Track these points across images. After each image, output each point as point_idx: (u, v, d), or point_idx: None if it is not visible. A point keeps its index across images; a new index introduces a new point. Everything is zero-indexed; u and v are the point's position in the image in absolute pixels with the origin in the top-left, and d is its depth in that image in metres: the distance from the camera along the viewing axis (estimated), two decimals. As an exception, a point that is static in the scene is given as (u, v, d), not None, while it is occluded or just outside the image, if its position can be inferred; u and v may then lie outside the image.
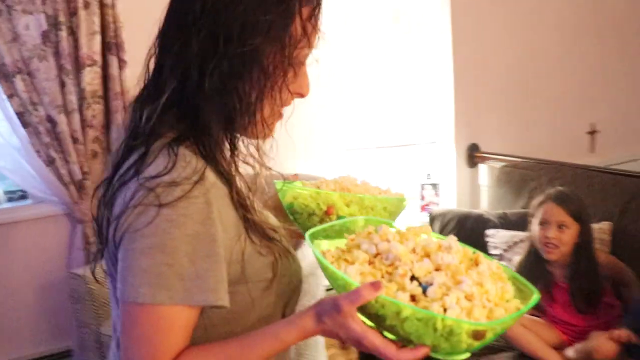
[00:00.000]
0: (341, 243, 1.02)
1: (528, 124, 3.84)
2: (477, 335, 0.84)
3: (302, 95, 0.98)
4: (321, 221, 1.22)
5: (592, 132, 4.18)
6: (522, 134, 3.79)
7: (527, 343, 2.20)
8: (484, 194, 3.48)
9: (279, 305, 1.01)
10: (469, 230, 2.78)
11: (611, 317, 2.18)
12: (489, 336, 0.86)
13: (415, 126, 3.58)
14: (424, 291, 0.87)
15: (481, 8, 3.56)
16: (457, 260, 0.93)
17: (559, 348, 2.21)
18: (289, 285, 1.03)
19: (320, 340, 2.47)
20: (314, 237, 1.02)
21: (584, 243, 2.24)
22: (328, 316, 0.87)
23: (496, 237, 2.63)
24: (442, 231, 2.87)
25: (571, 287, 2.23)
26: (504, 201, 2.98)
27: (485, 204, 3.33)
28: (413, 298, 0.87)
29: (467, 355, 0.90)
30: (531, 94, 3.84)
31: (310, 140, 3.11)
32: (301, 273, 1.08)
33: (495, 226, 2.71)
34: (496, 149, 3.53)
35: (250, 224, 0.95)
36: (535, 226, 2.29)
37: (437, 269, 0.92)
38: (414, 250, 0.94)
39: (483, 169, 3.54)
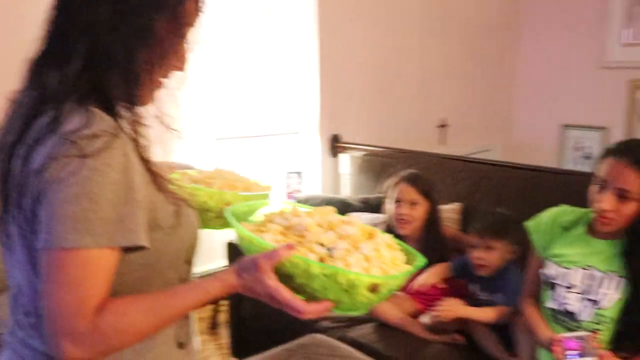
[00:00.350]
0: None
1: (386, 117, 4.09)
2: (374, 288, 0.98)
3: (181, 69, 1.06)
4: (216, 217, 1.36)
5: (442, 126, 4.50)
6: (380, 126, 4.03)
7: (385, 313, 2.40)
8: (345, 181, 3.68)
9: (182, 251, 1.10)
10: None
11: (459, 284, 2.44)
12: (384, 291, 1.02)
13: (281, 117, 3.69)
14: (330, 254, 1.02)
15: (347, 3, 3.74)
16: (357, 233, 1.08)
17: (415, 316, 2.43)
18: (192, 233, 1.13)
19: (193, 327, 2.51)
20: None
21: (432, 219, 2.50)
22: (247, 272, 1.00)
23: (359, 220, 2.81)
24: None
25: None
26: (365, 187, 3.19)
27: (348, 191, 3.53)
28: (321, 261, 1.02)
29: (363, 312, 1.06)
30: (389, 89, 4.08)
31: (182, 129, 3.12)
32: (198, 223, 1.17)
33: (357, 210, 2.89)
34: (356, 139, 3.73)
35: (153, 176, 1.02)
36: (389, 205, 2.51)
37: (340, 239, 1.07)
38: (320, 225, 1.09)
39: (344, 158, 3.73)
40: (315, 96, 3.65)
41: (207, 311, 3.58)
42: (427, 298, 2.46)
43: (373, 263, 1.04)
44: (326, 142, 3.73)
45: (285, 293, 0.99)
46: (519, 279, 2.17)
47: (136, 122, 1.01)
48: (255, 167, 3.62)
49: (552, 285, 1.91)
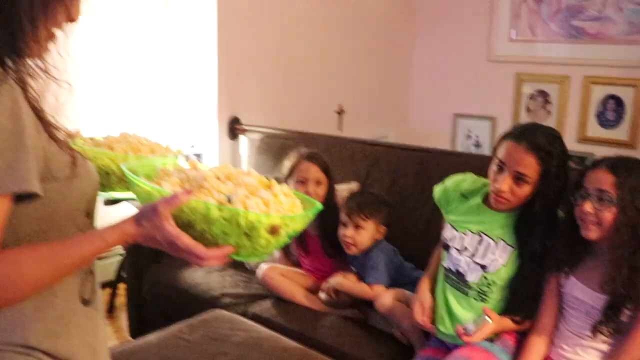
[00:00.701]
0: None
1: (285, 101, 4.11)
2: (274, 230, 1.01)
3: (73, 20, 1.03)
4: (119, 181, 1.33)
5: (340, 112, 4.59)
6: (280, 110, 4.04)
7: (286, 289, 2.46)
8: (244, 163, 3.69)
9: (80, 203, 1.07)
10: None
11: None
12: (283, 234, 1.04)
13: (181, 98, 3.65)
14: (229, 201, 1.02)
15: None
16: (255, 182, 1.10)
17: (315, 292, 2.50)
18: (90, 185, 1.09)
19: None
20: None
21: (330, 196, 2.55)
22: (146, 219, 0.98)
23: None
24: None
25: (321, 236, 2.53)
26: (265, 167, 3.21)
27: (247, 173, 3.53)
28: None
29: (263, 257, 1.07)
30: (288, 73, 4.10)
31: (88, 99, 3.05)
32: (97, 175, 1.14)
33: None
34: (256, 122, 3.75)
35: (45, 124, 0.99)
36: (291, 185, 2.51)
37: (238, 187, 1.07)
38: (218, 178, 1.10)
39: (243, 140, 3.74)
40: (213, 78, 3.63)
41: (104, 295, 3.51)
42: (325, 274, 2.53)
43: (272, 207, 1.05)
44: (224, 124, 3.72)
45: (185, 238, 0.98)
46: (388, 259, 2.32)
47: (24, 73, 0.97)
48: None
49: (448, 247, 2.03)
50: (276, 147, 3.19)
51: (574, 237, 1.78)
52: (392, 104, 5.10)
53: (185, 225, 1.00)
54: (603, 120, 4.44)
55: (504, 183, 1.84)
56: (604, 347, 1.75)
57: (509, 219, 1.93)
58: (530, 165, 1.82)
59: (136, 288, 2.87)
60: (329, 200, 2.54)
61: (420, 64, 5.23)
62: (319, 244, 2.55)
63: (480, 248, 1.95)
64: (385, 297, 2.22)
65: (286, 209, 1.08)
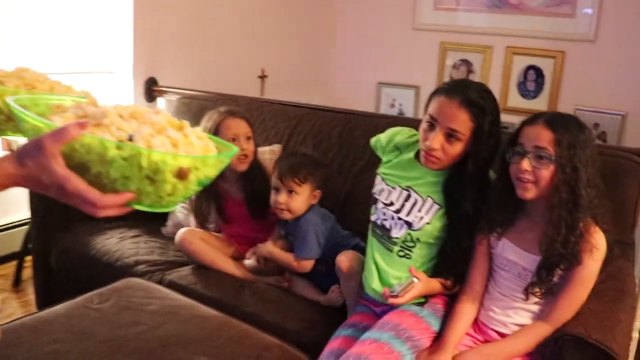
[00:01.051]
0: None
1: (206, 64, 3.96)
2: (181, 174, 0.88)
3: None
4: (8, 120, 1.17)
5: (262, 77, 4.47)
6: (201, 73, 3.89)
7: (206, 255, 2.33)
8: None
9: None
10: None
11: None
12: (193, 179, 0.91)
13: (93, 55, 3.43)
14: (130, 139, 0.88)
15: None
16: (164, 121, 0.95)
17: (237, 259, 2.38)
18: None
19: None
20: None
21: (256, 156, 2.43)
22: (30, 157, 0.83)
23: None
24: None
25: (247, 199, 2.40)
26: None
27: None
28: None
29: (170, 206, 0.94)
30: (209, 36, 3.95)
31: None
32: None
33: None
34: (174, 84, 3.58)
35: None
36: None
37: (144, 125, 0.94)
38: (121, 115, 0.95)
39: (161, 102, 3.56)
40: (129, 36, 3.43)
41: (9, 267, 3.29)
42: (249, 241, 2.42)
43: (181, 148, 0.92)
44: (141, 85, 3.53)
45: (76, 181, 0.84)
46: (318, 229, 2.19)
47: None
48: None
49: (376, 200, 1.95)
50: (195, 109, 3.03)
51: (508, 198, 1.72)
52: (316, 70, 5.01)
53: (79, 167, 0.86)
54: (523, 91, 4.50)
55: (435, 140, 1.76)
56: (535, 308, 1.73)
57: (440, 177, 1.86)
58: (462, 122, 1.74)
59: (43, 258, 2.67)
60: (253, 160, 2.42)
61: (343, 31, 5.15)
62: (244, 208, 2.42)
63: (407, 204, 1.88)
64: (345, 257, 2.07)
65: (198, 151, 0.95)
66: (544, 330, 1.68)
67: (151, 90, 3.56)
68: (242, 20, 4.19)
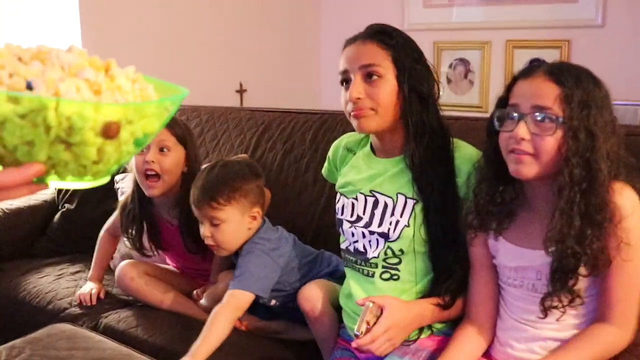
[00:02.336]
0: None
1: (177, 79, 3.59)
2: (108, 130, 0.64)
3: None
4: None
5: (241, 91, 4.14)
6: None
7: (151, 293, 1.91)
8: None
9: None
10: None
11: None
12: (126, 136, 0.66)
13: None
14: (29, 87, 0.64)
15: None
16: (80, 61, 0.68)
17: (189, 294, 1.96)
18: None
19: None
20: None
21: (191, 172, 1.88)
22: None
23: (125, 181, 2.32)
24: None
25: (181, 228, 1.91)
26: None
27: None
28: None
29: (101, 181, 0.71)
30: (180, 49, 3.61)
31: None
32: None
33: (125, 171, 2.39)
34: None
35: None
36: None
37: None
38: (21, 58, 0.68)
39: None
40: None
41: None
42: (195, 271, 2.00)
43: (105, 95, 0.66)
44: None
45: None
46: (263, 260, 1.64)
47: None
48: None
49: (341, 222, 1.54)
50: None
51: (498, 181, 1.29)
52: (300, 81, 4.65)
53: None
54: (529, 87, 4.12)
55: (354, 88, 1.40)
56: (569, 334, 1.25)
57: (401, 163, 1.46)
58: (374, 53, 1.41)
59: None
60: (190, 177, 1.87)
61: (329, 38, 4.79)
62: (178, 237, 1.93)
63: (376, 212, 1.47)
64: (306, 293, 1.61)
65: (130, 98, 0.69)
66: (609, 333, 1.21)
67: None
68: (216, 31, 3.87)
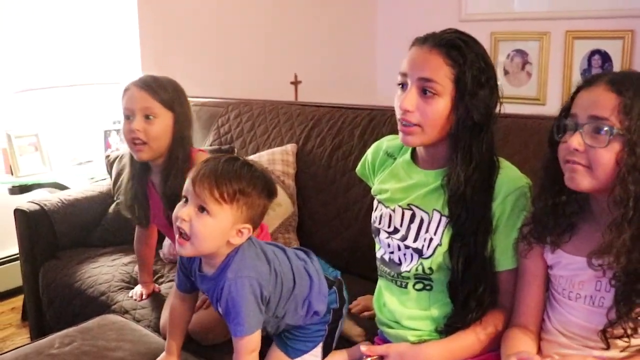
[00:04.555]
0: None
1: (229, 71, 3.63)
2: None
3: None
4: None
5: (295, 82, 4.13)
6: (228, 81, 3.56)
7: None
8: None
9: None
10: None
11: None
12: None
13: (99, 66, 3.16)
14: None
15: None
16: None
17: None
18: None
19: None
20: None
21: (180, 137, 1.81)
22: None
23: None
24: (122, 174, 2.55)
25: (164, 200, 1.81)
26: (195, 140, 2.73)
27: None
28: None
29: None
30: (228, 42, 3.64)
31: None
32: None
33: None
34: (190, 93, 3.25)
35: None
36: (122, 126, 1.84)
37: None
38: None
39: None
40: (135, 46, 3.12)
41: (16, 301, 3.05)
42: None
43: None
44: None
45: None
46: (252, 292, 1.34)
47: None
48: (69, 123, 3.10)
49: (378, 231, 1.53)
50: (205, 116, 2.71)
51: (561, 191, 1.25)
52: (356, 73, 4.62)
53: None
54: (589, 79, 3.98)
55: (407, 99, 1.34)
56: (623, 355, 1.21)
57: (440, 176, 1.42)
58: (436, 67, 1.32)
59: (32, 290, 2.37)
60: (179, 143, 1.81)
61: (385, 28, 4.74)
62: (162, 212, 1.85)
63: (412, 227, 1.45)
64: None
65: None
66: None
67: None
68: (269, 24, 3.88)
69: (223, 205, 1.31)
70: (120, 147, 3.09)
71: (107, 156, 2.69)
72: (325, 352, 1.52)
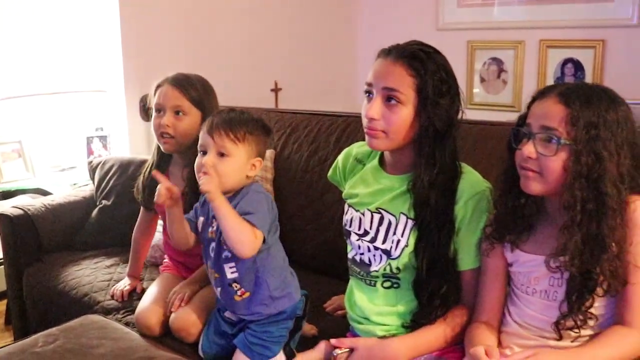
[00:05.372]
0: None
1: (211, 78, 3.68)
2: None
3: None
4: None
5: (276, 90, 4.19)
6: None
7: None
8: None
9: None
10: (132, 176, 2.54)
11: None
12: None
13: (81, 74, 3.21)
14: None
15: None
16: None
17: None
18: None
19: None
20: None
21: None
22: None
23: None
24: (105, 179, 2.61)
25: (188, 194, 1.87)
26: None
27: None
28: None
29: None
30: (214, 49, 3.68)
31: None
32: None
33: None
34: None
35: None
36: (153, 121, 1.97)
37: None
38: None
39: (159, 120, 3.30)
40: (118, 53, 3.17)
41: (1, 305, 3.07)
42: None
43: None
44: (135, 103, 3.25)
45: None
46: (268, 202, 1.60)
47: None
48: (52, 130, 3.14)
49: (349, 233, 1.61)
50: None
51: (517, 194, 1.34)
52: (336, 79, 4.68)
53: None
54: (562, 86, 4.08)
55: (372, 107, 1.42)
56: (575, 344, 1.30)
57: (407, 181, 1.50)
58: (399, 77, 1.40)
59: (16, 293, 2.42)
60: (191, 144, 1.90)
61: (364, 37, 4.83)
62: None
63: (381, 229, 1.53)
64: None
65: None
66: (630, 336, 1.24)
67: (147, 108, 3.28)
68: (251, 31, 3.92)
69: (238, 145, 1.55)
70: (103, 154, 3.15)
71: (90, 162, 2.75)
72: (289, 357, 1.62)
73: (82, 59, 3.22)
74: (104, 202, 2.57)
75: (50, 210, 2.50)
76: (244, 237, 1.48)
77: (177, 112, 1.91)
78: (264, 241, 1.53)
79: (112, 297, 2.06)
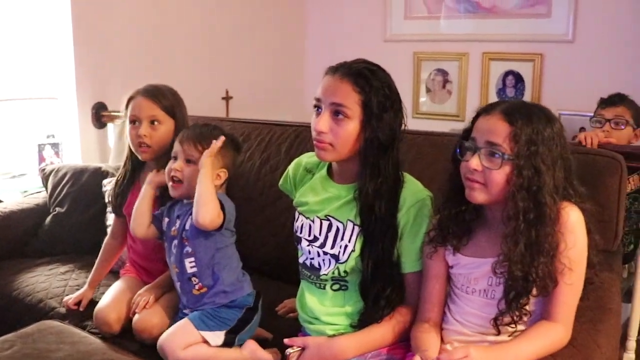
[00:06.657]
0: None
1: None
2: None
3: None
4: None
5: (227, 98, 4.24)
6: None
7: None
8: (113, 154, 3.26)
9: None
10: (86, 183, 2.60)
11: None
12: None
13: (33, 81, 3.21)
14: None
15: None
16: None
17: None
18: None
19: None
20: None
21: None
22: None
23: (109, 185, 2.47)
24: (58, 187, 2.63)
25: (160, 200, 1.98)
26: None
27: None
28: None
29: None
30: (165, 56, 3.71)
31: None
32: None
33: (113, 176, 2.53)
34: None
35: None
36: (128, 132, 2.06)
37: None
38: None
39: (111, 128, 3.31)
40: (70, 60, 3.18)
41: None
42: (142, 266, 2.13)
43: None
44: (87, 110, 3.27)
45: None
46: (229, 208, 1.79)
47: None
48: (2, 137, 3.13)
49: (299, 239, 1.70)
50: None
51: (460, 203, 1.46)
52: (285, 88, 4.76)
53: None
54: (504, 97, 4.25)
55: (321, 121, 1.52)
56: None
57: (352, 190, 1.60)
58: (346, 93, 1.50)
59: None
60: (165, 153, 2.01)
61: (313, 47, 4.92)
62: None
63: (329, 235, 1.62)
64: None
65: None
66: (556, 330, 1.38)
67: (100, 115, 3.31)
68: (201, 40, 3.96)
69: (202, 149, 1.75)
70: (55, 161, 3.15)
71: (43, 169, 2.76)
72: (228, 344, 1.76)
73: (33, 66, 3.21)
74: (57, 209, 2.59)
75: (2, 217, 2.51)
76: (211, 206, 1.69)
77: (152, 122, 2.01)
78: (221, 226, 1.73)
79: (66, 307, 2.08)
